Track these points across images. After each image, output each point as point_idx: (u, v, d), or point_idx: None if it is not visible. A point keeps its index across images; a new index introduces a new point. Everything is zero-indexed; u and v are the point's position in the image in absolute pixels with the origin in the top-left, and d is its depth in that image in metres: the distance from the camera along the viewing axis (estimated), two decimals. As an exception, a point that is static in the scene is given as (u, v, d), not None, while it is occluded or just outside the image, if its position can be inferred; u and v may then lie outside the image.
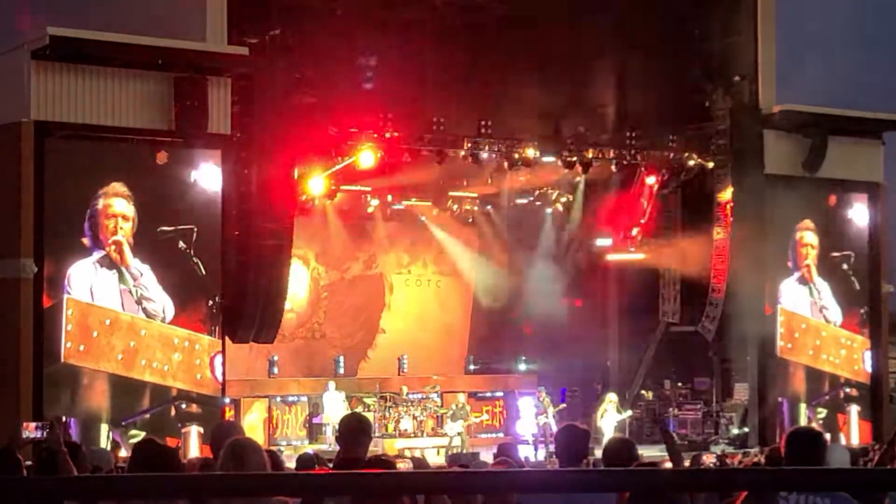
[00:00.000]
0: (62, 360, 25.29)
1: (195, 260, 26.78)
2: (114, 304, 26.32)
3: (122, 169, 25.74)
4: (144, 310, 26.66)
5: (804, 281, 33.24)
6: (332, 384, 31.29)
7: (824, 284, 33.46)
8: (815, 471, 5.46)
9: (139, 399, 26.13)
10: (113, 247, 25.98)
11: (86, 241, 25.78)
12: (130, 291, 26.49)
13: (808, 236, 33.33)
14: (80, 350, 25.86)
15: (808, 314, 33.44)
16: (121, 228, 26.28)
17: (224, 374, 27.11)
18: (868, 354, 33.96)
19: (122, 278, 26.32)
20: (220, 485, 4.18)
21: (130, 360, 26.35)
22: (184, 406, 26.67)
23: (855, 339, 34.32)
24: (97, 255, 25.97)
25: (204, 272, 26.85)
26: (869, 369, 33.87)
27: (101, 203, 25.88)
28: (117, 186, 26.04)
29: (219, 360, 27.15)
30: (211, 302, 27.13)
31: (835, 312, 33.70)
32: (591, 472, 4.90)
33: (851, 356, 34.11)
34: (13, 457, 9.50)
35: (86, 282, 25.96)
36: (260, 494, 3.95)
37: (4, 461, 9.30)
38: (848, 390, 33.81)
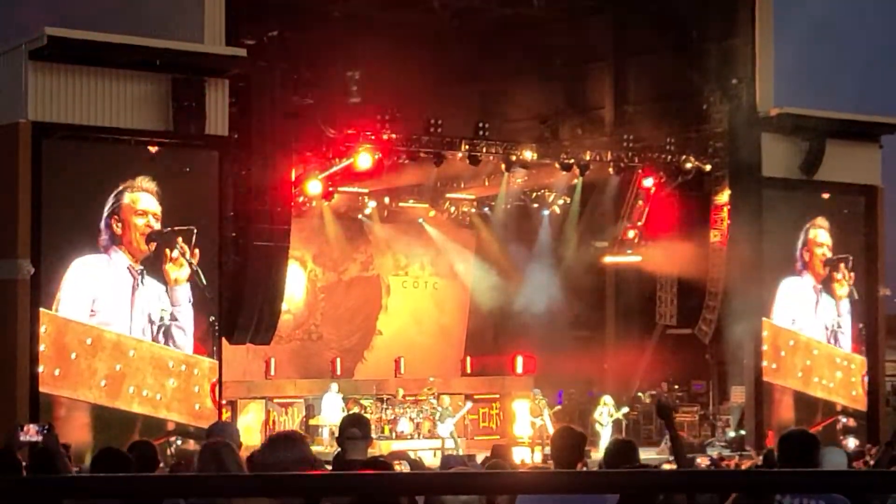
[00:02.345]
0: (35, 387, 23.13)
1: (195, 268, 25.09)
2: (119, 318, 24.25)
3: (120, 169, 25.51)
4: (166, 331, 24.34)
5: (815, 285, 32.37)
6: (334, 386, 31.29)
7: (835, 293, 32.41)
8: (814, 472, 5.48)
9: (126, 434, 21.85)
10: (143, 245, 24.54)
11: (102, 242, 24.44)
12: (151, 307, 24.38)
13: (822, 235, 32.66)
14: (54, 375, 23.61)
15: (810, 321, 32.20)
16: (150, 227, 24.80)
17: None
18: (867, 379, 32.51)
19: (138, 289, 24.50)
20: (221, 486, 4.19)
21: (116, 387, 23.80)
22: (180, 443, 23.43)
23: (853, 360, 32.69)
24: (116, 257, 24.58)
25: (205, 282, 24.99)
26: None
27: (126, 198, 24.73)
28: (144, 181, 24.95)
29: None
30: (212, 317, 24.98)
31: (846, 326, 32.44)
32: (588, 473, 4.91)
33: (848, 379, 32.55)
34: (13, 458, 9.50)
35: (87, 288, 24.12)
36: (262, 495, 3.96)
37: (4, 462, 9.31)
38: (845, 420, 31.59)
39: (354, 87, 31.00)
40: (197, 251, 25.32)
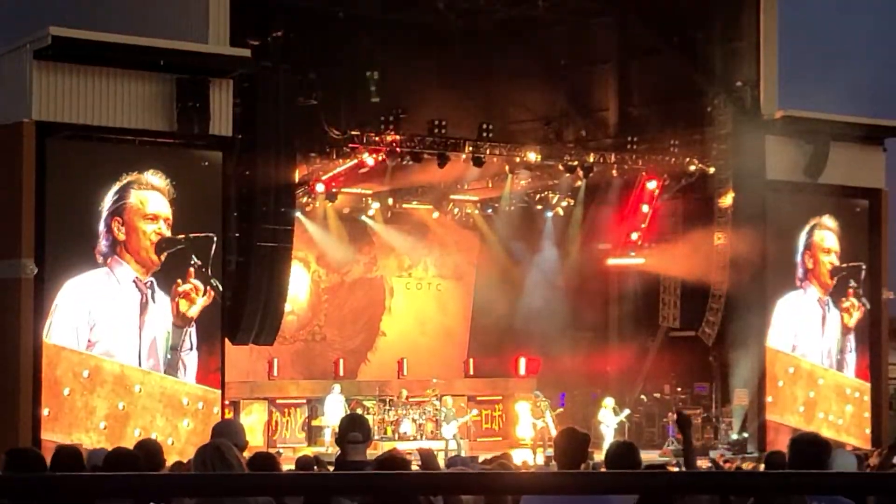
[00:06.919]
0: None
1: (213, 282, 23.32)
2: (124, 345, 22.05)
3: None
4: (170, 359, 21.84)
5: (817, 297, 31.52)
6: (336, 387, 31.29)
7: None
8: (822, 474, 5.46)
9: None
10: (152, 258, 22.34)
11: (101, 249, 22.92)
12: (162, 328, 21.78)
13: (829, 239, 31.96)
14: (44, 415, 21.35)
15: (815, 342, 31.11)
16: (160, 234, 22.72)
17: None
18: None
19: (147, 307, 22.47)
20: (222, 485, 4.17)
21: (118, 430, 21.25)
22: None
23: (864, 391, 31.43)
24: (119, 270, 22.79)
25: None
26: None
27: (133, 197, 23.27)
28: (153, 177, 23.55)
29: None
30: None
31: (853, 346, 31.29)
32: (593, 474, 4.90)
33: (860, 414, 31.43)
34: (37, 455, 9.35)
35: (84, 309, 22.04)
36: (266, 495, 3.95)
37: (27, 460, 9.14)
38: None
39: (373, 88, 30.88)
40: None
